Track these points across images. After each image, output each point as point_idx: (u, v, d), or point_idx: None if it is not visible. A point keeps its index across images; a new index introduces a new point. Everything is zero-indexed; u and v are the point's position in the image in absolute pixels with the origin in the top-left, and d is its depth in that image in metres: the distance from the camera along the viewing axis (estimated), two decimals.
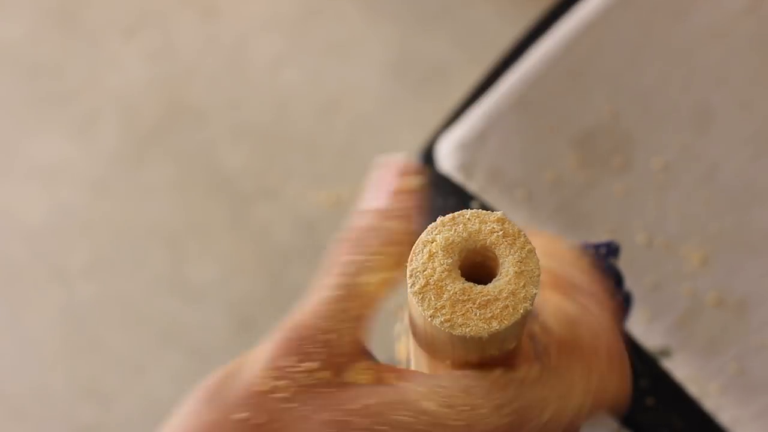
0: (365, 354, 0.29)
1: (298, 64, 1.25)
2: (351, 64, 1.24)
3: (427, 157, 0.64)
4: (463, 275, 0.28)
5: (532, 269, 0.27)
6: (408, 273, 0.28)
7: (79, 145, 1.21)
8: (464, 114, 0.65)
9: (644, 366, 0.56)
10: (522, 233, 0.28)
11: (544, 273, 0.29)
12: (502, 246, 0.28)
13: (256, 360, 0.27)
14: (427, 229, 0.28)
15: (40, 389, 1.09)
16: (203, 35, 1.27)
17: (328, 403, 0.27)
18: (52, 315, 1.12)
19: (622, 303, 0.45)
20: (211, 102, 1.23)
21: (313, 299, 0.28)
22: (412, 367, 0.35)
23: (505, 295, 0.27)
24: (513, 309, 0.27)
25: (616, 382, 0.30)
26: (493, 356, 0.30)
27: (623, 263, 0.43)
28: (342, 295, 0.28)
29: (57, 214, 1.18)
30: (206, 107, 1.23)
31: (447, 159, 0.63)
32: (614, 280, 0.42)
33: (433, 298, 0.27)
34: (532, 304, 0.27)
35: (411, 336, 0.32)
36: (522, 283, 0.27)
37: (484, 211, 0.28)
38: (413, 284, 0.27)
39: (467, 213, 0.28)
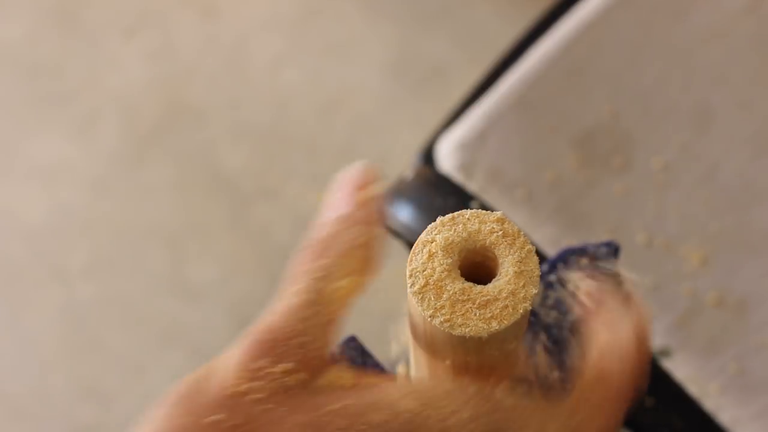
0: (336, 358, 0.29)
1: (298, 64, 1.25)
2: (351, 64, 1.24)
3: (427, 157, 0.64)
4: (462, 275, 0.28)
5: (531, 269, 0.27)
6: (408, 273, 0.28)
7: (79, 145, 1.21)
8: (464, 114, 0.65)
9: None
10: (521, 233, 0.28)
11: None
12: (501, 246, 0.28)
13: (229, 362, 0.27)
14: (426, 229, 0.28)
15: (40, 389, 1.09)
16: (203, 35, 1.27)
17: (304, 405, 0.27)
18: (52, 315, 1.12)
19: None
20: (211, 102, 1.23)
21: (283, 304, 0.28)
22: (412, 367, 0.35)
23: (504, 295, 0.27)
24: (513, 309, 0.27)
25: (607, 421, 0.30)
26: (494, 356, 0.30)
27: (623, 263, 0.43)
28: (312, 300, 0.28)
29: (57, 214, 1.18)
30: (206, 107, 1.23)
31: (447, 159, 0.63)
32: (614, 280, 0.42)
33: (432, 298, 0.27)
34: (531, 304, 0.27)
35: (411, 336, 0.32)
36: (522, 283, 0.27)
37: (484, 211, 0.28)
38: (413, 284, 0.27)
39: (467, 213, 0.28)
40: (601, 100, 0.64)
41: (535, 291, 0.27)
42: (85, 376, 1.09)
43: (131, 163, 1.20)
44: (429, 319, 0.27)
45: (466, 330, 0.27)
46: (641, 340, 0.30)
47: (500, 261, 0.28)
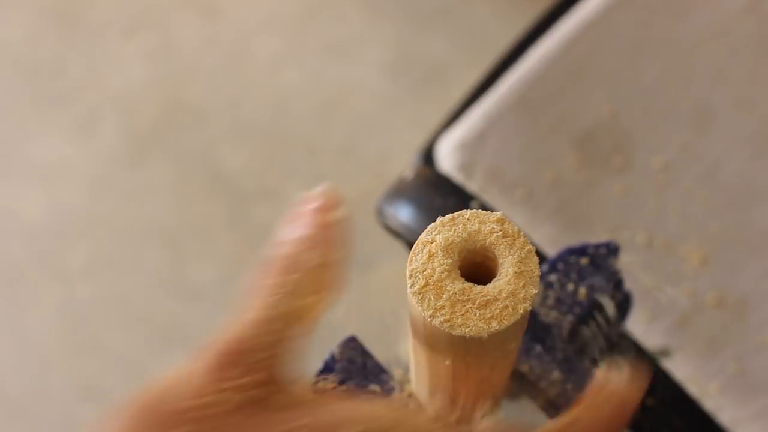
0: (299, 375, 0.29)
1: (298, 64, 1.25)
2: (351, 64, 1.24)
3: (427, 157, 0.64)
4: (462, 275, 0.28)
5: (531, 269, 0.27)
6: (408, 273, 0.28)
7: (78, 145, 1.21)
8: (464, 114, 0.65)
9: (644, 366, 0.56)
10: (521, 233, 0.28)
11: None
12: (501, 246, 0.28)
13: (193, 374, 0.27)
14: (426, 230, 0.28)
15: (40, 389, 1.09)
16: (203, 35, 1.27)
17: (270, 419, 0.26)
18: (52, 314, 1.12)
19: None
20: (211, 102, 1.23)
21: (248, 317, 0.28)
22: (412, 367, 0.35)
23: (504, 295, 0.27)
24: (513, 309, 0.27)
25: None
26: (494, 356, 0.30)
27: (623, 263, 0.43)
28: (278, 314, 0.28)
29: (57, 214, 1.18)
30: (206, 107, 1.23)
31: (447, 159, 0.63)
32: (614, 280, 0.42)
33: (432, 299, 0.27)
34: (531, 304, 0.27)
35: (411, 336, 0.32)
36: (522, 284, 0.27)
37: (484, 212, 0.28)
38: (413, 284, 0.27)
39: (467, 213, 0.28)
40: (601, 100, 0.64)
41: (535, 291, 0.27)
42: (85, 375, 1.09)
43: (131, 163, 1.20)
44: (429, 320, 0.27)
45: (466, 330, 0.27)
46: (626, 402, 0.31)
47: (500, 261, 0.28)
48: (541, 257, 0.44)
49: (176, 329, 1.11)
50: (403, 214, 0.62)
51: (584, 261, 0.42)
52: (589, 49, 0.65)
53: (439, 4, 1.26)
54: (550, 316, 0.41)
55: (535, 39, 0.67)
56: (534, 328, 0.40)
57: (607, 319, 0.45)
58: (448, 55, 1.23)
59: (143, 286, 1.13)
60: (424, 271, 0.28)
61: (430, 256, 0.28)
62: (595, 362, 0.44)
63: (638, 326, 0.58)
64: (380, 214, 0.64)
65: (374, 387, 0.37)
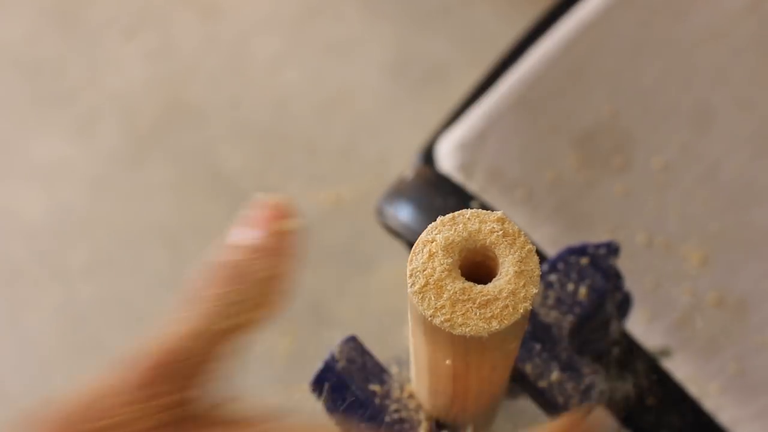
0: (230, 391, 0.28)
1: (298, 63, 1.24)
2: (351, 64, 1.24)
3: (427, 157, 0.64)
4: (463, 275, 0.28)
5: (532, 269, 0.27)
6: (408, 273, 0.28)
7: (78, 144, 1.21)
8: (464, 114, 0.65)
9: (644, 366, 0.56)
10: (522, 233, 0.28)
11: None
12: (501, 246, 0.28)
13: (114, 389, 0.25)
14: (427, 229, 0.28)
15: (40, 389, 1.09)
16: (203, 35, 1.27)
17: None
18: (52, 314, 1.12)
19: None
20: (211, 101, 1.23)
21: (180, 330, 0.27)
22: (412, 367, 0.35)
23: (505, 294, 0.27)
24: (513, 309, 0.27)
25: None
26: (494, 356, 0.30)
27: (623, 263, 0.43)
28: (213, 329, 0.27)
29: (57, 214, 1.18)
30: (206, 107, 1.23)
31: (447, 159, 0.63)
32: (614, 280, 0.42)
33: (433, 298, 0.27)
34: (532, 304, 0.27)
35: (411, 336, 0.32)
36: (522, 283, 0.27)
37: (484, 211, 0.28)
38: (413, 284, 0.27)
39: (467, 213, 0.28)
40: (601, 100, 0.64)
41: (535, 291, 0.27)
42: (85, 375, 1.09)
43: (131, 163, 1.20)
44: (429, 319, 0.27)
45: (467, 330, 0.27)
46: None
47: (500, 261, 0.28)
48: (541, 257, 0.44)
49: None
50: (403, 214, 0.62)
51: (584, 261, 0.42)
52: (589, 49, 0.65)
53: (439, 4, 1.26)
54: (550, 316, 0.41)
55: (535, 39, 0.67)
56: (534, 328, 0.40)
57: (607, 319, 0.45)
58: (448, 55, 1.23)
59: (143, 286, 1.13)
60: (424, 270, 0.27)
61: (431, 255, 0.28)
62: (595, 362, 0.44)
63: (638, 326, 0.58)
64: (380, 214, 0.64)
65: (374, 387, 0.37)
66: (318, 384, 0.37)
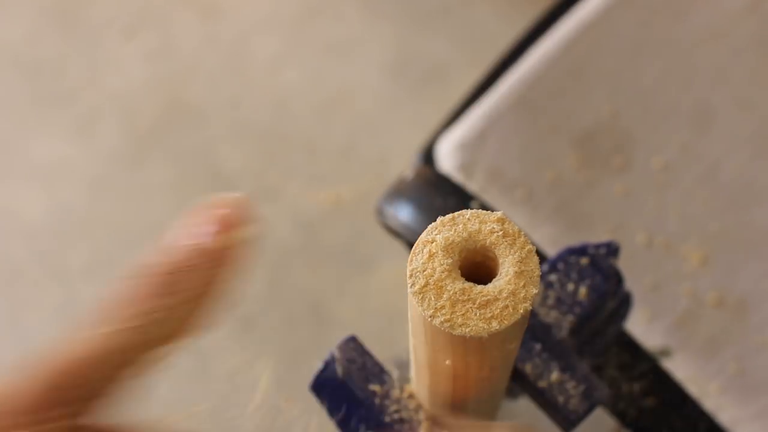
0: (120, 419, 0.25)
1: (298, 63, 1.24)
2: (351, 64, 1.24)
3: (427, 157, 0.64)
4: (463, 275, 0.28)
5: (532, 269, 0.27)
6: (408, 273, 0.28)
7: (78, 144, 1.21)
8: (464, 114, 0.65)
9: (644, 366, 0.56)
10: (522, 233, 0.28)
11: None
12: (502, 246, 0.28)
13: (15, 404, 0.23)
14: (427, 229, 0.28)
15: None
16: (203, 35, 1.27)
17: None
18: (52, 314, 1.12)
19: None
20: (211, 102, 1.23)
21: (92, 339, 0.24)
22: (412, 367, 0.35)
23: (505, 295, 0.27)
24: (513, 309, 0.27)
25: None
26: (494, 356, 0.30)
27: (623, 263, 0.43)
28: (127, 344, 0.24)
29: (56, 214, 1.18)
30: (206, 107, 1.23)
31: (447, 159, 0.63)
32: (614, 280, 0.42)
33: (433, 298, 0.27)
34: (532, 304, 0.27)
35: (411, 336, 0.32)
36: (522, 283, 0.27)
37: (484, 211, 0.28)
38: (413, 284, 0.27)
39: (467, 213, 0.28)
40: (601, 100, 0.64)
41: (535, 291, 0.27)
42: None
43: (131, 163, 1.20)
44: (429, 319, 0.27)
45: (467, 330, 0.27)
46: None
47: (500, 261, 0.28)
48: (542, 257, 0.44)
49: None
50: (403, 214, 0.62)
51: (584, 261, 0.42)
52: (589, 49, 0.65)
53: (439, 4, 1.26)
54: (550, 316, 0.41)
55: (535, 39, 0.66)
56: (534, 328, 0.40)
57: (607, 319, 0.45)
58: (448, 55, 1.23)
59: None
60: (424, 270, 0.27)
61: (431, 255, 0.28)
62: (595, 362, 0.44)
63: (638, 326, 0.58)
64: (380, 214, 0.64)
65: (374, 387, 0.37)
66: (318, 384, 0.37)
